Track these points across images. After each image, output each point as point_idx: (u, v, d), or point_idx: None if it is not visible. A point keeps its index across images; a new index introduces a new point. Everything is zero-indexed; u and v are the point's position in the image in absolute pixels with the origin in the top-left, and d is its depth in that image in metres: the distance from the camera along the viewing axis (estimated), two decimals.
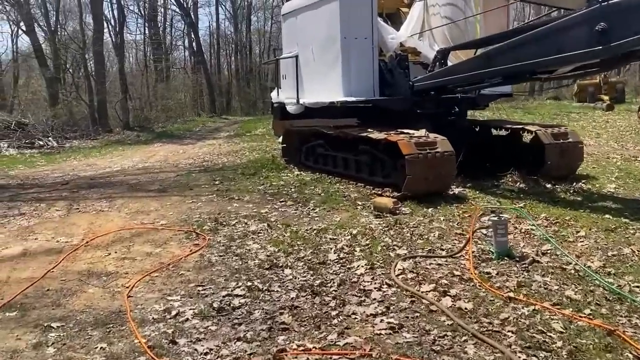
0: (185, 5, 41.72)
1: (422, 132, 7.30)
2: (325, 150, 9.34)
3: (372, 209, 6.60)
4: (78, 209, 7.58)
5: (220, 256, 5.05)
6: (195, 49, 43.59)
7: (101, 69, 27.76)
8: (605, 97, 25.38)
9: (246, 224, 6.22)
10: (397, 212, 6.37)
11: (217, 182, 9.13)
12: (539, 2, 8.50)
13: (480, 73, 6.76)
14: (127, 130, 25.80)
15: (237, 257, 4.99)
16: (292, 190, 8.08)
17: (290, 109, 9.62)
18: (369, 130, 7.88)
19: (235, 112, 47.35)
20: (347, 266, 4.62)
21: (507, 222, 4.69)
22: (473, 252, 4.71)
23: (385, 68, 8.72)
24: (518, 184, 7.75)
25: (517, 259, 4.52)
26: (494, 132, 9.29)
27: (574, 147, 7.91)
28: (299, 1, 9.91)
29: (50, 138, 20.42)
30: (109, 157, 16.19)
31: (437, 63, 7.99)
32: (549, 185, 7.56)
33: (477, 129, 8.95)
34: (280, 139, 17.41)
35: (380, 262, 4.67)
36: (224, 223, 6.26)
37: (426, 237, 5.37)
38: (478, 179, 8.07)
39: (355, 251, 4.98)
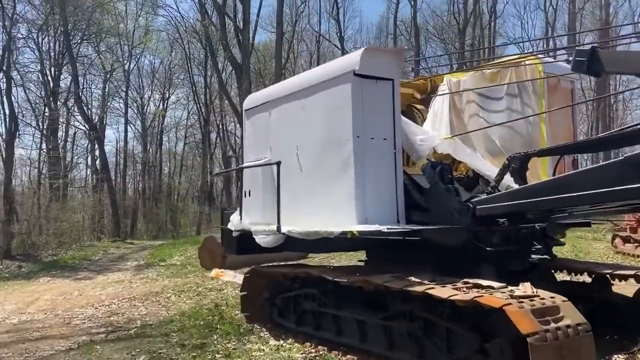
0: (91, 119, 38.16)
1: (527, 286, 4.31)
2: (321, 305, 6.03)
3: None
4: None
5: None
6: (99, 166, 39.40)
7: None
8: None
9: None
10: None
11: None
12: None
13: (628, 189, 4.01)
14: (6, 260, 20.72)
15: None
16: None
17: (263, 240, 6.34)
18: (418, 280, 4.79)
19: (142, 235, 42.58)
20: None
21: None
22: None
23: (411, 182, 5.92)
24: None
25: None
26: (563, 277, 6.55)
27: None
28: (275, 89, 7.09)
29: None
30: None
31: (510, 175, 5.26)
32: None
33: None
34: (215, 272, 13.89)
35: None
36: None
37: None
38: None
39: None
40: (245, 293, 7.21)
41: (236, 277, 12.82)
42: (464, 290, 4.43)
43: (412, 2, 42.11)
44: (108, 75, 42.63)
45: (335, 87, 5.74)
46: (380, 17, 46.71)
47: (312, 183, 6.10)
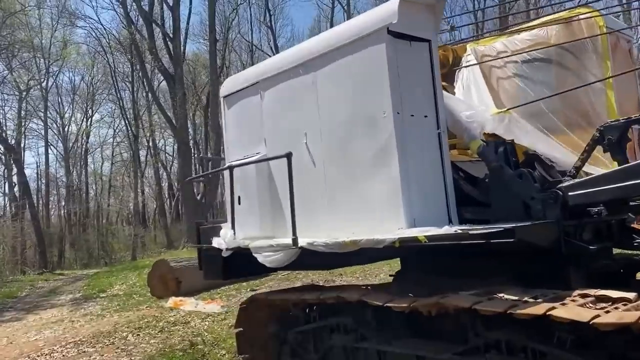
0: (7, 140, 34.64)
1: None
2: (359, 339, 4.59)
3: None
4: None
5: None
6: (19, 192, 35.83)
7: None
8: None
9: None
10: None
11: None
12: None
13: None
14: None
15: None
16: None
17: (270, 259, 4.83)
18: (516, 297, 3.50)
19: (71, 264, 39.12)
20: None
21: None
22: None
23: (457, 171, 4.68)
24: None
25: None
26: None
27: None
28: (268, 65, 5.62)
29: None
30: None
31: (603, 150, 4.10)
32: None
33: None
34: (172, 301, 11.85)
35: None
36: None
37: None
38: None
39: None
40: (241, 329, 5.61)
41: (198, 305, 11.12)
42: (588, 306, 3.21)
43: (346, 7, 41.62)
44: (24, 95, 39.04)
45: (362, 50, 4.39)
46: (314, 20, 45.50)
47: (330, 180, 4.71)
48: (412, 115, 4.34)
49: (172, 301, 11.49)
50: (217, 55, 33.71)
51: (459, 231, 3.69)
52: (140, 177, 45.16)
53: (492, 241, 3.58)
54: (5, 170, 40.31)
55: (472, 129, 4.63)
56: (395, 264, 12.20)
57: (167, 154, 50.03)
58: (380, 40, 4.24)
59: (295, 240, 4.52)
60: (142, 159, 46.50)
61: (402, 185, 4.13)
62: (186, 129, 32.48)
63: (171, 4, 31.60)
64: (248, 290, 12.41)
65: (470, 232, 3.58)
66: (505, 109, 4.91)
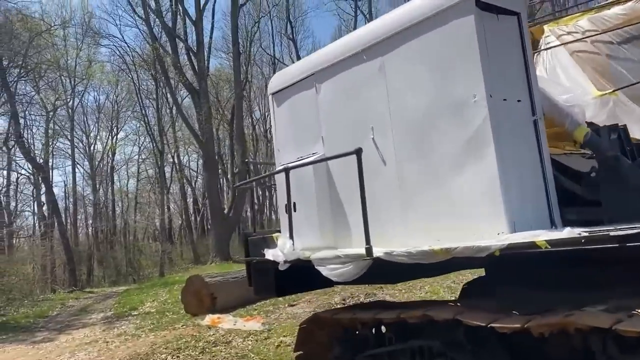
0: (36, 160, 34.76)
1: None
2: None
3: None
4: None
5: None
6: (48, 211, 35.92)
7: None
8: None
9: None
10: None
11: None
12: None
13: None
14: None
15: None
16: None
17: (338, 272, 4.20)
18: None
19: (99, 282, 39.06)
20: None
21: None
22: None
23: (554, 165, 3.99)
24: None
25: None
26: None
27: None
28: (323, 54, 4.99)
29: None
30: None
31: None
32: None
33: None
34: (210, 319, 11.29)
35: None
36: None
37: None
38: None
39: None
40: (301, 352, 4.96)
41: (237, 322, 10.51)
42: None
43: (368, 16, 41.17)
44: (51, 115, 39.32)
45: (443, 25, 3.77)
46: (335, 29, 45.08)
47: (405, 179, 4.08)
48: (505, 100, 3.70)
49: (209, 319, 10.91)
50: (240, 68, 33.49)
51: (584, 234, 3.01)
52: (165, 194, 45.04)
53: (629, 245, 2.90)
54: (34, 190, 40.57)
55: (575, 114, 3.95)
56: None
57: (191, 170, 50.06)
58: (468, 12, 3.62)
59: (369, 250, 3.88)
60: (167, 175, 46.47)
61: (501, 182, 3.48)
62: (212, 143, 32.18)
63: (194, 19, 31.52)
64: (286, 305, 11.79)
65: (611, 234, 2.87)
66: (611, 90, 4.22)
